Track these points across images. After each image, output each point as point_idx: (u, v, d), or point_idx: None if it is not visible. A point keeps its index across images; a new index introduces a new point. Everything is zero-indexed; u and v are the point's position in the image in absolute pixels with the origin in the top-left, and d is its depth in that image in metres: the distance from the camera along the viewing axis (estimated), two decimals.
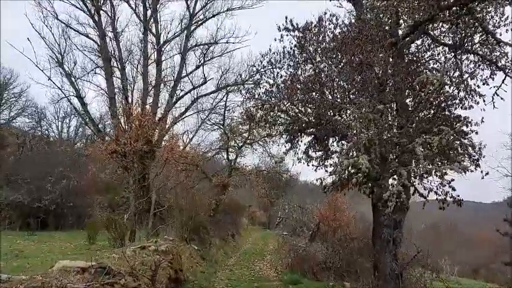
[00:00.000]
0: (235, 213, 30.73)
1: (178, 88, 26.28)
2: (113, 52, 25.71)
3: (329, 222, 25.24)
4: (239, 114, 15.15)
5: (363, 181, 11.10)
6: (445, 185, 11.44)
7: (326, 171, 13.45)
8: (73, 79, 25.68)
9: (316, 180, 12.03)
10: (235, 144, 25.73)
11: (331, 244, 18.90)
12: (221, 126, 25.67)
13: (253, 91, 14.32)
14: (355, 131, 10.64)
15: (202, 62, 26.09)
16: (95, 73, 26.13)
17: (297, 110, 13.85)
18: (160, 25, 26.36)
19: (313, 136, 14.07)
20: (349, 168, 10.61)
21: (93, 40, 25.80)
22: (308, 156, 14.42)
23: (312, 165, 14.19)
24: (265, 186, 29.94)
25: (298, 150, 14.38)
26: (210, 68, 26.33)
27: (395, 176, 11.58)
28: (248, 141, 26.19)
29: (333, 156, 13.91)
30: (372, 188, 12.95)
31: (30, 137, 31.01)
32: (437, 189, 11.84)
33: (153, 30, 26.59)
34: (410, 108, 11.83)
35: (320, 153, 14.32)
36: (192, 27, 26.76)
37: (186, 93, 25.64)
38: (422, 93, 11.00)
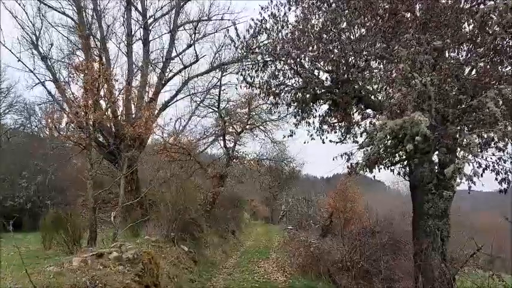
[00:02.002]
0: (236, 207, 27.30)
1: (168, 70, 22.74)
2: (94, 31, 22.20)
3: (339, 214, 21.85)
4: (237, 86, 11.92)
5: (410, 154, 7.66)
6: (506, 161, 7.98)
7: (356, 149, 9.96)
8: (49, 62, 22.11)
9: (341, 156, 8.55)
10: (233, 130, 22.23)
11: (348, 239, 15.50)
12: (216, 109, 22.14)
13: (252, 42, 10.79)
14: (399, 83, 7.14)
15: (193, 40, 22.50)
16: (74, 54, 22.55)
17: (309, 69, 10.38)
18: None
19: (330, 103, 10.60)
20: (392, 135, 7.14)
21: (70, 17, 22.24)
22: (324, 129, 11.02)
23: (330, 141, 10.77)
24: (268, 177, 26.56)
25: (311, 123, 10.94)
26: (203, 46, 22.66)
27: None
28: (248, 126, 22.74)
29: (359, 125, 10.54)
30: (412, 167, 9.62)
31: (8, 131, 27.60)
32: (495, 165, 8.24)
33: (139, 7, 23.06)
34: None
35: (340, 125, 10.91)
36: (182, 2, 23.20)
37: (176, 74, 22.10)
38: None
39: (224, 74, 23.05)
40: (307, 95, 10.62)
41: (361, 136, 10.17)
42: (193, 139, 22.31)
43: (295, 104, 11.12)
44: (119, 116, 21.70)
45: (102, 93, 12.63)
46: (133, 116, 21.99)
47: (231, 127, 22.24)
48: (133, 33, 22.24)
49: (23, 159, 21.88)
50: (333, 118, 10.64)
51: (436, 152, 8.50)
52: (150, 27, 23.30)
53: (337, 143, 10.57)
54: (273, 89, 11.30)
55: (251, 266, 16.07)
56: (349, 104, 10.06)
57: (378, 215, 16.44)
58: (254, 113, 22.65)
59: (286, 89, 11.35)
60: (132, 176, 21.76)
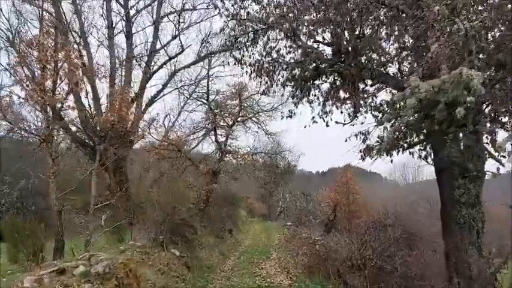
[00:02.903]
0: (231, 205, 25.63)
1: (153, 63, 21.02)
2: (73, 25, 20.41)
3: (341, 208, 20.31)
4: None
5: (442, 129, 6.04)
6: None
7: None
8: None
9: (356, 136, 6.94)
10: (225, 124, 20.55)
11: (357, 235, 13.91)
12: (205, 102, 20.42)
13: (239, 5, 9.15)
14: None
15: (178, 31, 20.77)
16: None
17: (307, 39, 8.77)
18: None
19: (335, 77, 8.96)
20: (425, 102, 5.52)
21: (47, 11, 20.41)
22: (327, 110, 9.40)
23: (336, 122, 9.13)
24: (263, 172, 24.91)
25: (315, 99, 9.32)
26: (188, 37, 20.86)
27: None
28: (240, 118, 21.07)
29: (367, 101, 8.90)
30: (436, 148, 8.06)
31: None
32: None
33: None
34: None
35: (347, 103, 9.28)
36: None
37: (162, 66, 20.43)
38: None
39: (213, 66, 21.43)
40: (306, 72, 8.97)
41: (375, 111, 8.53)
42: (183, 134, 20.63)
43: (292, 83, 9.49)
44: (103, 114, 20.03)
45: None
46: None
47: (222, 120, 20.58)
48: (114, 25, 20.52)
49: (8, 164, 20.24)
50: (339, 94, 8.97)
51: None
52: (133, 19, 21.58)
53: (344, 124, 8.94)
54: (266, 65, 9.70)
55: (251, 267, 14.43)
56: (358, 77, 8.41)
57: (387, 207, 14.81)
58: (246, 104, 21.03)
59: (280, 67, 9.76)
60: (120, 177, 20.08)
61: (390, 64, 8.74)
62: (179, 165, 19.47)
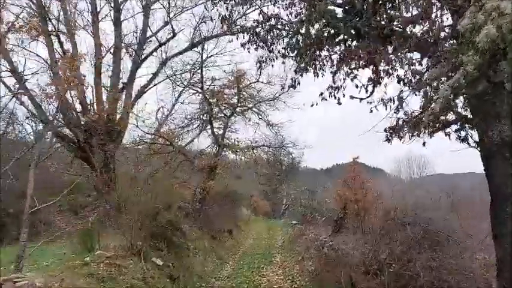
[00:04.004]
0: (232, 204, 23.70)
1: (143, 52, 19.06)
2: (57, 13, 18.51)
3: (351, 205, 18.27)
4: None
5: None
6: None
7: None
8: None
9: (385, 104, 5.06)
10: (222, 115, 18.57)
11: (371, 235, 11.96)
12: (199, 90, 18.41)
13: None
14: None
15: (169, 17, 18.75)
16: (35, 40, 18.82)
17: None
18: None
19: (351, 35, 6.95)
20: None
21: None
22: (337, 86, 7.42)
23: (351, 97, 7.15)
24: (266, 167, 22.95)
25: (324, 63, 7.36)
26: (180, 23, 18.83)
27: None
28: (238, 108, 19.11)
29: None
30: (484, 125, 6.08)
31: None
32: None
33: None
34: None
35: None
36: None
37: (152, 52, 18.47)
38: None
39: (209, 54, 19.47)
40: (312, 31, 7.01)
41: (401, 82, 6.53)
42: (176, 127, 18.69)
43: (295, 51, 7.54)
44: (88, 106, 18.16)
45: None
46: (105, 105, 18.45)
47: (219, 111, 18.61)
48: (99, 10, 18.57)
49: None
50: (354, 60, 6.92)
51: None
52: (121, 6, 19.62)
53: (361, 99, 6.93)
54: (262, 32, 7.79)
55: (251, 274, 12.53)
56: (379, 37, 6.39)
57: (408, 204, 12.80)
58: (245, 93, 19.08)
59: (280, 33, 7.85)
60: (108, 175, 18.15)
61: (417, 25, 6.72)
62: (172, 161, 17.54)
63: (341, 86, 7.36)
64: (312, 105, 7.48)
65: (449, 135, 6.48)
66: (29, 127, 21.11)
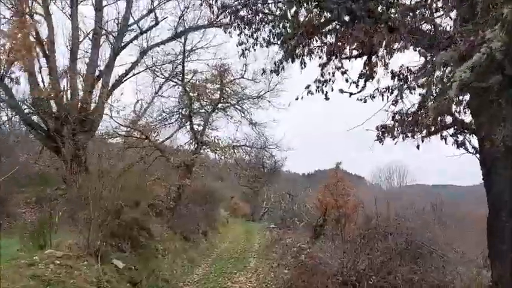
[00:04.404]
0: (209, 204, 22.80)
1: (123, 41, 18.08)
2: None
3: (332, 211, 17.57)
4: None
5: None
6: None
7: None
8: None
9: (381, 94, 4.33)
10: (203, 110, 17.70)
11: (351, 244, 11.27)
12: (179, 82, 17.50)
13: None
14: None
15: (153, 6, 17.83)
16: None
17: None
18: None
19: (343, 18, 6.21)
20: None
21: None
22: (326, 79, 6.70)
23: (341, 91, 6.43)
24: (247, 167, 22.17)
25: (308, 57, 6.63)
26: (165, 11, 17.84)
27: None
28: (220, 105, 18.26)
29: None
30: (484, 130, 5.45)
31: None
32: None
33: None
34: None
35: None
36: None
37: (132, 40, 17.53)
38: None
39: (194, 47, 18.60)
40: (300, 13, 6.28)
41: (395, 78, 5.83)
42: (154, 121, 17.75)
43: (281, 38, 6.80)
44: (61, 93, 17.11)
45: None
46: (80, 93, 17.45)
47: (200, 106, 17.75)
48: None
49: None
50: (348, 44, 6.18)
51: None
52: None
53: (351, 94, 6.22)
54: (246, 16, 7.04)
55: (223, 280, 11.70)
56: (376, 23, 5.66)
57: (391, 211, 12.19)
58: (228, 89, 18.26)
59: (265, 17, 7.08)
60: (79, 168, 17.09)
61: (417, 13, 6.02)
62: (147, 156, 16.62)
63: (329, 80, 6.64)
64: (297, 99, 6.75)
65: (445, 139, 5.82)
66: None
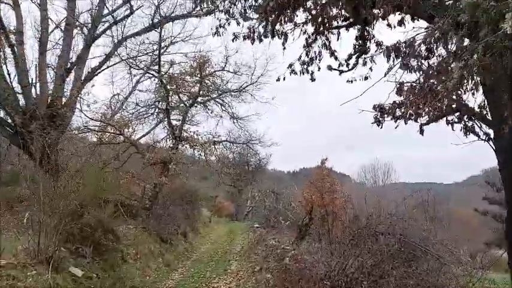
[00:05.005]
0: (192, 204, 21.75)
1: (97, 32, 16.84)
2: None
3: (318, 209, 16.61)
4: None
5: None
6: None
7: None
8: None
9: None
10: (182, 104, 16.56)
11: (339, 245, 10.37)
12: (155, 74, 16.35)
13: None
14: None
15: None
16: None
17: None
18: None
19: None
20: None
21: None
22: (314, 53, 5.77)
23: (330, 68, 5.51)
24: (230, 164, 21.17)
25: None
26: (141, 1, 16.64)
27: None
28: (200, 98, 17.18)
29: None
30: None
31: None
32: None
33: None
34: None
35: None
36: None
37: (105, 31, 16.34)
38: None
39: (173, 40, 17.47)
40: None
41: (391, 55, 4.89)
42: (129, 115, 16.61)
43: (260, 10, 5.85)
44: (28, 86, 15.85)
45: None
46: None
47: (178, 101, 16.62)
48: None
49: None
50: (338, 9, 5.22)
51: None
52: None
53: (341, 72, 5.30)
54: None
55: (200, 286, 10.69)
56: None
57: (382, 209, 11.33)
58: (208, 82, 17.21)
59: None
60: (49, 166, 15.84)
61: None
62: (122, 153, 15.48)
63: (316, 58, 5.70)
64: (278, 80, 5.79)
65: (452, 124, 4.92)
66: None
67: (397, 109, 4.38)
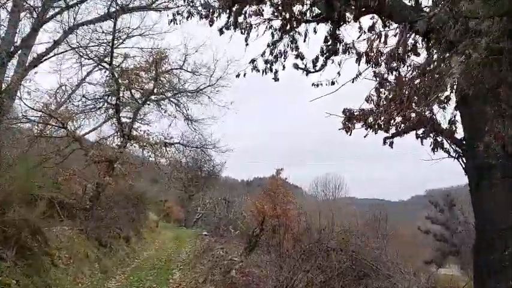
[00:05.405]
0: (138, 207, 20.64)
1: (47, 15, 15.59)
2: None
3: (265, 220, 16.12)
4: None
5: None
6: None
7: None
8: None
9: None
10: (133, 100, 15.60)
11: (289, 259, 9.91)
12: (106, 66, 15.28)
13: None
14: None
15: None
16: None
17: None
18: None
19: None
20: None
21: None
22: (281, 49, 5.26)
23: (297, 67, 5.00)
24: (183, 169, 20.31)
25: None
26: None
27: None
28: (154, 96, 16.30)
29: None
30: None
31: None
32: None
33: None
34: None
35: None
36: None
37: (55, 16, 15.12)
38: None
39: (130, 34, 16.52)
40: None
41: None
42: (74, 108, 15.44)
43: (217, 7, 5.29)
44: None
45: None
46: None
47: (130, 97, 15.65)
48: None
49: None
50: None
51: None
52: None
53: (308, 72, 4.82)
54: None
55: None
56: None
57: (335, 224, 10.98)
58: (164, 80, 16.38)
59: None
60: None
61: None
62: (64, 148, 14.30)
63: (281, 55, 5.19)
64: (238, 76, 5.23)
65: (421, 139, 4.54)
66: None
67: (369, 116, 3.94)
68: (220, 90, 18.15)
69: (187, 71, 16.84)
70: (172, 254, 17.98)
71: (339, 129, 4.16)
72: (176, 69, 16.49)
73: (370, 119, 3.93)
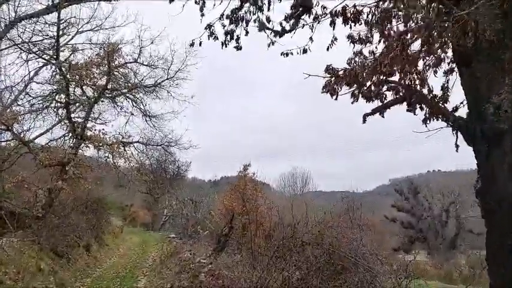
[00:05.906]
0: (99, 213, 19.29)
1: None
2: None
3: (234, 218, 15.28)
4: None
5: None
6: None
7: None
8: None
9: None
10: (85, 97, 14.31)
11: (262, 257, 9.15)
12: (51, 61, 13.82)
13: None
14: None
15: None
16: None
17: None
18: None
19: None
20: None
21: None
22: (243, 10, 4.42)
23: (261, 27, 4.18)
24: (147, 171, 19.13)
25: None
26: None
27: None
28: (108, 92, 15.04)
29: None
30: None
31: None
32: None
33: None
34: None
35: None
36: None
37: None
38: None
39: (80, 29, 15.20)
40: None
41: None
42: (21, 109, 14.02)
43: None
44: None
45: None
46: None
47: (82, 93, 14.35)
48: None
49: None
50: None
51: None
52: None
53: (276, 34, 4.05)
54: None
55: None
56: None
57: (308, 217, 10.29)
58: (118, 75, 15.18)
59: None
60: None
61: None
62: (12, 152, 12.93)
63: (243, 18, 4.38)
64: (192, 45, 4.39)
65: (413, 111, 3.87)
66: None
67: (357, 76, 3.22)
68: (179, 83, 17.03)
69: (143, 64, 15.67)
70: (137, 260, 16.87)
71: (322, 91, 3.43)
72: (131, 62, 15.32)
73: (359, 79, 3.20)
